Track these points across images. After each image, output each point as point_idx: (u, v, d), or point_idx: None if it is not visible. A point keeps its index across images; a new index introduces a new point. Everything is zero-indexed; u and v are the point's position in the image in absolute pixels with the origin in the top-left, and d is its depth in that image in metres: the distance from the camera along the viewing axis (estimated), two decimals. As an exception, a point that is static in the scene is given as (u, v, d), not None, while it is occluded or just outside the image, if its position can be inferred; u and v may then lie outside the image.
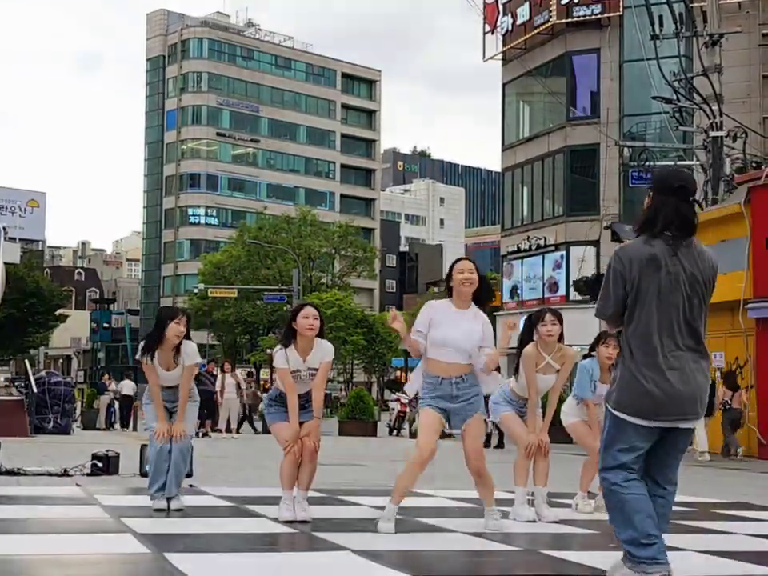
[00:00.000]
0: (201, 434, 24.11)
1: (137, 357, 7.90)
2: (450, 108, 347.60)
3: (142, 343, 7.87)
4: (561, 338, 8.03)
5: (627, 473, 4.85)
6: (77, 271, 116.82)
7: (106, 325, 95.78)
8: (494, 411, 8.12)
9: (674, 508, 9.21)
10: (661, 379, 4.72)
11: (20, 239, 62.90)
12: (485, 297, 7.13)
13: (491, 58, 45.55)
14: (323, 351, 7.48)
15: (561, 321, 7.98)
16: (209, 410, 25.14)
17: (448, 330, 6.91)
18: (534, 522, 7.65)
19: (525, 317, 8.45)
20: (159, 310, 8.15)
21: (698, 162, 26.26)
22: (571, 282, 38.63)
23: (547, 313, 7.99)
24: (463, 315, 6.98)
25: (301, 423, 7.40)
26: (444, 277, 7.22)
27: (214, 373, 25.53)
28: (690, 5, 27.47)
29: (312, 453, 7.36)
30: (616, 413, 4.84)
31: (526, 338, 8.03)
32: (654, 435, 4.84)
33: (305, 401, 7.49)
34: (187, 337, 7.85)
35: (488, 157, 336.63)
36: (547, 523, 7.66)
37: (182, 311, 7.95)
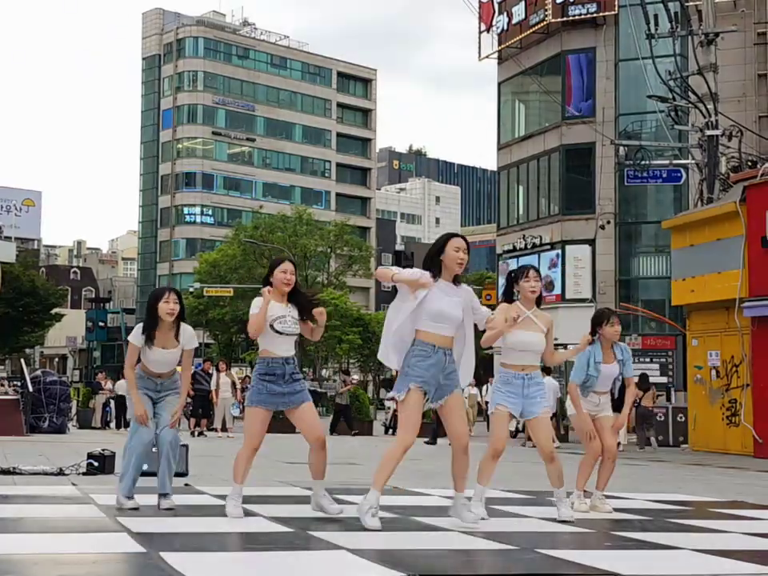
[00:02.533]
0: (197, 433, 24.13)
1: (130, 338, 7.80)
2: (445, 107, 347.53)
3: (139, 327, 7.81)
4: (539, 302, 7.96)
5: None
6: (72, 270, 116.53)
7: (101, 324, 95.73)
8: (491, 401, 7.88)
9: (670, 507, 9.25)
10: None
11: (16, 238, 62.98)
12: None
13: (487, 57, 45.54)
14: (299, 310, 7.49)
15: (541, 279, 8.00)
16: (204, 408, 25.17)
17: (442, 303, 6.96)
18: (484, 519, 7.53)
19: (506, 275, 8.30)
20: (150, 295, 8.15)
21: (693, 161, 26.29)
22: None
23: (531, 269, 7.91)
24: (452, 289, 7.07)
25: (295, 410, 7.38)
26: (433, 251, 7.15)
27: (210, 372, 25.54)
28: (686, 4, 27.50)
29: (322, 440, 7.40)
30: None
31: (506, 296, 7.94)
32: None
33: (292, 368, 7.38)
34: (182, 315, 7.84)
35: (484, 156, 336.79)
36: (542, 521, 7.65)
37: (169, 289, 7.93)
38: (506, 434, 7.78)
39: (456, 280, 7.15)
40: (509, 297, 7.95)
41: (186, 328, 7.88)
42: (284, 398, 7.33)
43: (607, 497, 8.89)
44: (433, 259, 7.10)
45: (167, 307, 7.68)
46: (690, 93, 25.59)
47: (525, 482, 8.34)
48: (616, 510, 8.62)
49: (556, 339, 8.15)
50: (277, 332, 7.32)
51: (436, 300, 6.95)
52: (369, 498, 6.92)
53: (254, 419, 7.38)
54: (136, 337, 7.78)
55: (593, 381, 8.48)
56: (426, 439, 24.43)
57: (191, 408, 25.56)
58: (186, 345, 7.84)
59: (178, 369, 8.05)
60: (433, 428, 24.90)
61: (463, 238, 7.28)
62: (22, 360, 27.90)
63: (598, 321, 8.54)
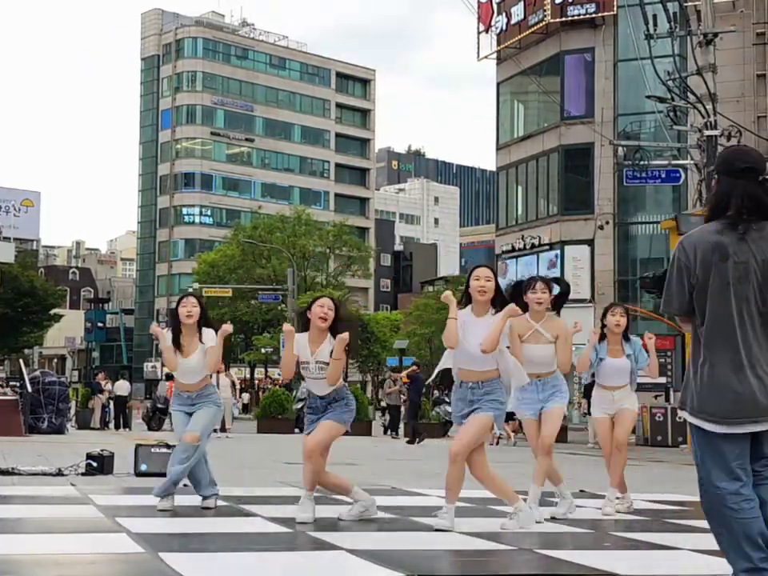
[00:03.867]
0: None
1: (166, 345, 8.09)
2: (444, 107, 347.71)
3: (169, 334, 8.08)
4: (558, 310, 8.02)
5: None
6: (71, 270, 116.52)
7: (100, 324, 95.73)
8: (514, 409, 7.97)
9: (669, 507, 9.25)
10: (741, 377, 4.27)
11: (14, 238, 62.96)
12: (499, 302, 7.13)
13: (485, 57, 45.54)
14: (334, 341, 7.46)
15: (550, 290, 7.97)
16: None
17: (463, 343, 7.03)
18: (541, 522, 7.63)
19: (511, 284, 8.29)
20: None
21: (692, 162, 26.27)
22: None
23: (538, 281, 7.95)
24: (477, 322, 7.04)
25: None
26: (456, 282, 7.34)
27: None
28: (684, 4, 27.48)
29: (310, 450, 7.40)
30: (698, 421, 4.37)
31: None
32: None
33: (327, 402, 7.44)
34: (206, 320, 8.13)
35: (483, 156, 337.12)
36: (540, 522, 7.65)
37: (187, 294, 8.34)
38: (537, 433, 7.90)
39: (494, 307, 7.12)
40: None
41: (206, 331, 8.09)
42: (317, 422, 7.47)
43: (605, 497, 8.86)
44: (465, 295, 7.20)
45: (184, 311, 7.98)
46: (688, 93, 25.56)
47: (523, 482, 8.34)
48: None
49: None
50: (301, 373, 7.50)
51: (461, 337, 7.07)
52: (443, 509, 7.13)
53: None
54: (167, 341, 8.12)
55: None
56: (407, 439, 24.78)
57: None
58: (207, 343, 8.04)
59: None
60: (412, 426, 25.29)
61: (488, 267, 7.31)
62: (21, 360, 27.82)
63: (603, 313, 8.64)
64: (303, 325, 7.48)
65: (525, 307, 7.87)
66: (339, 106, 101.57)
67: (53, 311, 67.17)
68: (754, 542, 4.26)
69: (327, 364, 7.33)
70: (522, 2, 42.64)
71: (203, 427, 8.00)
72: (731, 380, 4.27)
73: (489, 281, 7.03)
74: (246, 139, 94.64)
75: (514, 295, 7.90)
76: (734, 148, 4.76)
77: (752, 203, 4.33)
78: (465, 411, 7.08)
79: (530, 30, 42.17)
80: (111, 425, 32.07)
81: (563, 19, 40.76)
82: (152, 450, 10.86)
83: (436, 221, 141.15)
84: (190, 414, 8.03)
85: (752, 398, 4.24)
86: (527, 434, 8.12)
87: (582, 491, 9.92)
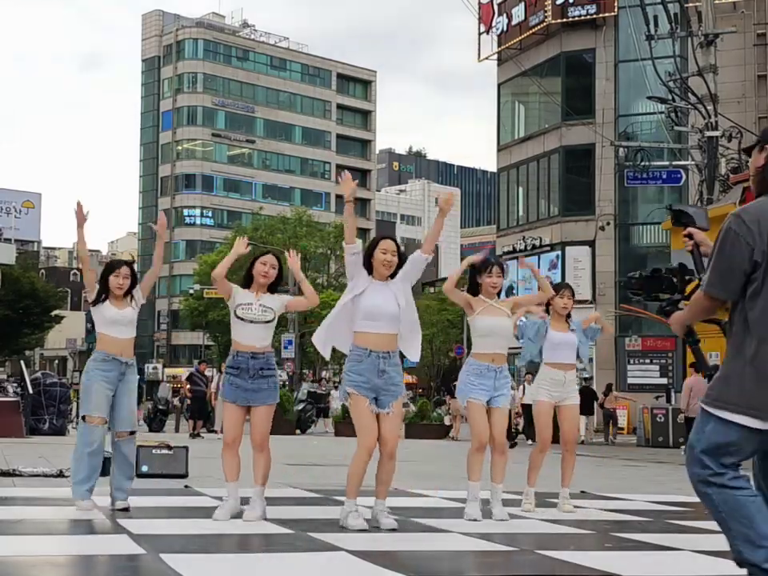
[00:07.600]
0: (193, 435, 24.15)
1: (89, 300, 7.82)
2: (445, 108, 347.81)
3: (93, 294, 7.80)
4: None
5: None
6: (72, 272, 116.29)
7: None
8: (461, 394, 7.79)
9: (670, 508, 9.24)
10: None
11: (15, 240, 62.89)
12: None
13: (486, 58, 45.56)
14: (280, 298, 7.37)
15: (504, 274, 8.01)
16: (201, 410, 25.16)
17: (376, 299, 6.89)
18: (478, 521, 7.47)
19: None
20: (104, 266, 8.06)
21: (693, 162, 26.30)
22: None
23: (495, 265, 7.91)
24: (384, 286, 6.97)
25: (252, 408, 7.20)
26: (367, 249, 7.09)
27: (206, 374, 25.61)
28: (685, 5, 27.52)
29: (260, 443, 7.31)
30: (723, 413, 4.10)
31: (471, 289, 7.94)
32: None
33: (262, 363, 7.16)
34: (134, 284, 7.81)
35: (483, 157, 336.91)
36: (542, 523, 7.64)
37: (122, 262, 7.93)
38: (486, 426, 7.63)
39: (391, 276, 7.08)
40: (473, 290, 7.92)
41: (136, 290, 7.83)
42: (247, 393, 7.16)
43: (607, 498, 8.85)
44: (366, 260, 7.03)
45: (116, 281, 7.67)
46: (689, 94, 25.60)
47: (523, 483, 8.33)
48: (616, 511, 8.60)
49: None
50: (239, 318, 7.17)
51: (370, 297, 6.89)
52: (345, 507, 6.93)
53: (225, 413, 7.29)
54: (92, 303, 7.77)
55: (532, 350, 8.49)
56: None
57: (189, 410, 25.55)
58: (139, 301, 7.84)
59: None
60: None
61: (393, 240, 7.16)
62: (22, 362, 27.82)
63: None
64: (246, 283, 7.36)
65: (477, 288, 7.90)
66: (340, 107, 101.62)
67: (54, 313, 67.12)
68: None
69: (272, 310, 7.20)
70: (523, 3, 42.68)
71: (134, 419, 7.82)
72: None
73: (394, 256, 6.97)
74: (247, 140, 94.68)
75: (471, 277, 7.95)
76: None
77: None
78: (380, 386, 6.85)
79: (531, 31, 42.20)
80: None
81: (564, 20, 40.79)
82: (153, 451, 10.86)
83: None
84: (113, 392, 7.52)
85: None
86: (474, 420, 7.63)
87: (582, 492, 9.91)
